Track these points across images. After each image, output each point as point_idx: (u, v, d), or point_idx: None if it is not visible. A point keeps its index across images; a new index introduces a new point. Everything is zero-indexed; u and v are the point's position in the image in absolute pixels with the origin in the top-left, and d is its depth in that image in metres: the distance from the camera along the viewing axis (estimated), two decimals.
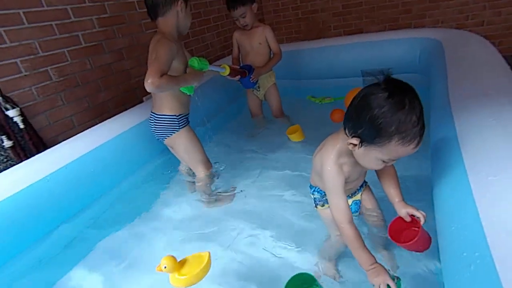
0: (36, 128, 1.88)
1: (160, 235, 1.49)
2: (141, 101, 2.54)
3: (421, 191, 1.27)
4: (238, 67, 2.11)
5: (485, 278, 0.62)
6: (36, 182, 1.42)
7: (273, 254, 1.28)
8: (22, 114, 1.77)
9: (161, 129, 1.59)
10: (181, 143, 1.61)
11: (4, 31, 1.76)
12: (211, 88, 2.58)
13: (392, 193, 1.05)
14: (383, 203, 1.21)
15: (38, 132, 1.89)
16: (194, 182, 1.76)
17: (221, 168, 1.87)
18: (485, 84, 1.34)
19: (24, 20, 1.86)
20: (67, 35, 2.09)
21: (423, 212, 0.97)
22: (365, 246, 0.97)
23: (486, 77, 1.43)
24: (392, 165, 1.04)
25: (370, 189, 1.26)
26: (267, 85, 2.32)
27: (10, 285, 1.30)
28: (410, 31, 2.76)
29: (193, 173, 1.74)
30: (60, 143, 1.68)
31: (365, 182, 1.23)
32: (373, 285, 0.92)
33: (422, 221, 0.96)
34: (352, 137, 0.91)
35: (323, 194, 1.21)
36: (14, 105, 1.75)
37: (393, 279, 0.90)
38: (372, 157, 0.90)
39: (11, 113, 1.71)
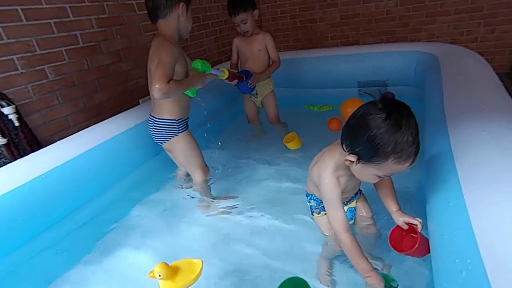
0: (31, 126, 1.86)
1: (151, 240, 1.47)
2: (138, 104, 2.53)
3: (413, 201, 1.30)
4: (237, 71, 2.12)
5: (476, 283, 0.65)
6: (29, 181, 1.39)
7: (266, 257, 1.27)
8: (17, 112, 1.75)
9: (161, 133, 1.58)
10: (179, 148, 1.61)
11: (2, 27, 1.75)
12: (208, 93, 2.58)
13: (390, 203, 1.09)
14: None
15: (33, 131, 1.86)
16: (190, 188, 1.75)
17: (218, 171, 1.86)
18: (480, 99, 1.37)
19: (23, 17, 1.84)
20: (65, 34, 2.08)
21: (419, 219, 1.01)
22: (362, 253, 1.00)
23: (481, 92, 1.46)
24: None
25: (365, 197, 1.29)
26: (265, 92, 2.34)
27: None
28: (407, 44, 2.80)
29: (190, 178, 1.73)
30: (56, 143, 1.65)
31: (359, 190, 1.26)
32: None
33: (419, 228, 1.00)
34: (349, 154, 0.93)
35: (319, 202, 1.23)
36: (9, 102, 1.72)
37: (391, 283, 0.93)
38: (368, 173, 0.93)
39: (6, 110, 1.68)
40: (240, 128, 2.57)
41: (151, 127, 1.61)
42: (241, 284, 1.17)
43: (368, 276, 0.97)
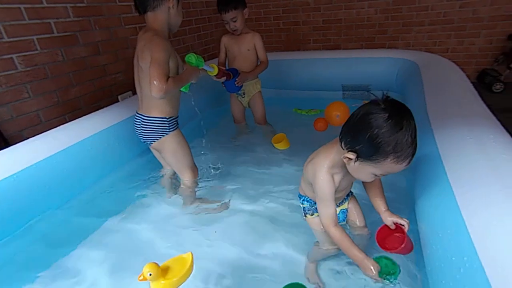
0: None
1: (137, 241, 1.39)
2: (117, 100, 2.38)
3: (401, 202, 1.34)
4: (225, 69, 2.07)
5: (474, 278, 0.69)
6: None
7: (252, 257, 1.26)
8: None
9: (149, 132, 1.48)
10: (170, 147, 1.52)
11: None
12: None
13: (379, 203, 1.13)
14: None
15: None
16: (176, 187, 1.67)
17: (205, 171, 1.80)
18: (460, 105, 1.45)
19: None
20: (37, 21, 1.91)
21: (406, 220, 1.05)
22: (353, 243, 1.04)
23: (460, 98, 1.54)
24: None
25: (356, 199, 1.31)
26: (252, 92, 2.30)
27: None
28: (389, 51, 2.90)
29: (176, 177, 1.64)
30: (26, 140, 1.50)
31: (351, 191, 1.29)
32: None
33: (406, 228, 1.04)
34: (348, 152, 0.94)
35: (312, 203, 1.23)
36: None
37: (390, 271, 0.99)
38: (366, 171, 0.95)
39: None
40: (227, 128, 2.51)
41: (138, 126, 1.50)
42: (229, 286, 1.15)
43: (362, 264, 1.01)
